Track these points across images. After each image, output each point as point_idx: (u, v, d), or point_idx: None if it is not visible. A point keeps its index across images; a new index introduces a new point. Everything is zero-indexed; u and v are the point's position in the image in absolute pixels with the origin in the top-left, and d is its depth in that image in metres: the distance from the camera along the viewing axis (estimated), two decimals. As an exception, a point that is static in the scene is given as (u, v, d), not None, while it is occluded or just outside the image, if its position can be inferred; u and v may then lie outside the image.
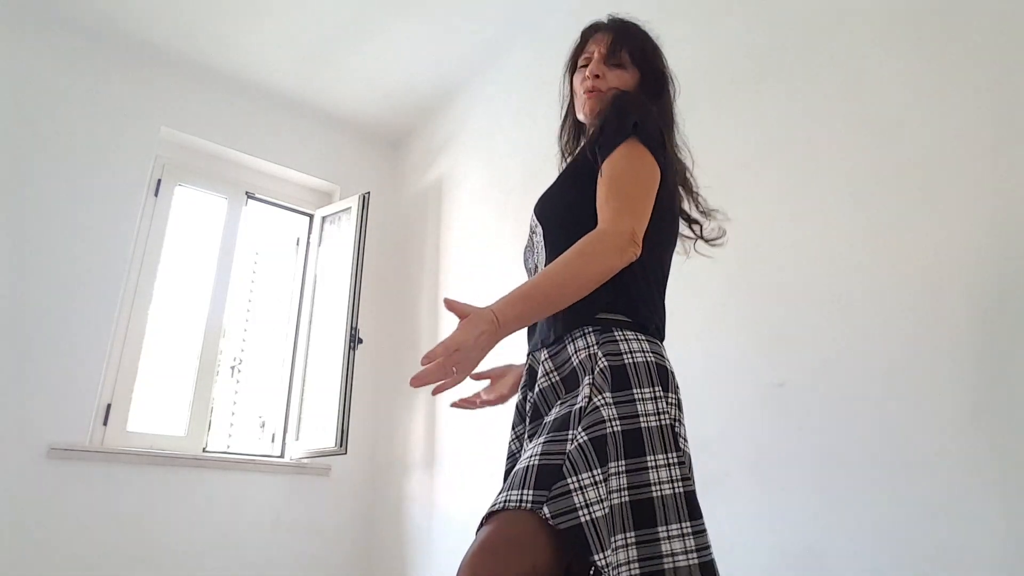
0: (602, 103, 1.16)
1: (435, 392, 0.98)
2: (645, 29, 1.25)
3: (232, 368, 3.17)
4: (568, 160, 1.33)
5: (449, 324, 2.98)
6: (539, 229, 1.15)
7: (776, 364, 1.64)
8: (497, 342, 0.93)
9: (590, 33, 1.26)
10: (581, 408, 0.93)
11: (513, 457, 1.10)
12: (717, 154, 1.91)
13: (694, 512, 0.91)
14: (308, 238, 3.47)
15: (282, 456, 3.08)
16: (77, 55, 2.87)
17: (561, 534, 0.81)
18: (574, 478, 0.84)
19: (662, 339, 1.07)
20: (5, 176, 2.60)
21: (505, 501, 0.84)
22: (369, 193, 3.18)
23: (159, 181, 3.03)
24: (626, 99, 1.12)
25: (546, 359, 1.07)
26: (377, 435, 3.25)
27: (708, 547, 0.90)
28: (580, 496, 0.83)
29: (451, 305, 0.94)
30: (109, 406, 2.67)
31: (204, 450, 2.89)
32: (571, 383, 1.02)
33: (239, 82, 3.27)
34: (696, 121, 1.95)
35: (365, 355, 3.15)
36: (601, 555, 0.81)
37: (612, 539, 0.84)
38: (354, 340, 2.93)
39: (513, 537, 0.82)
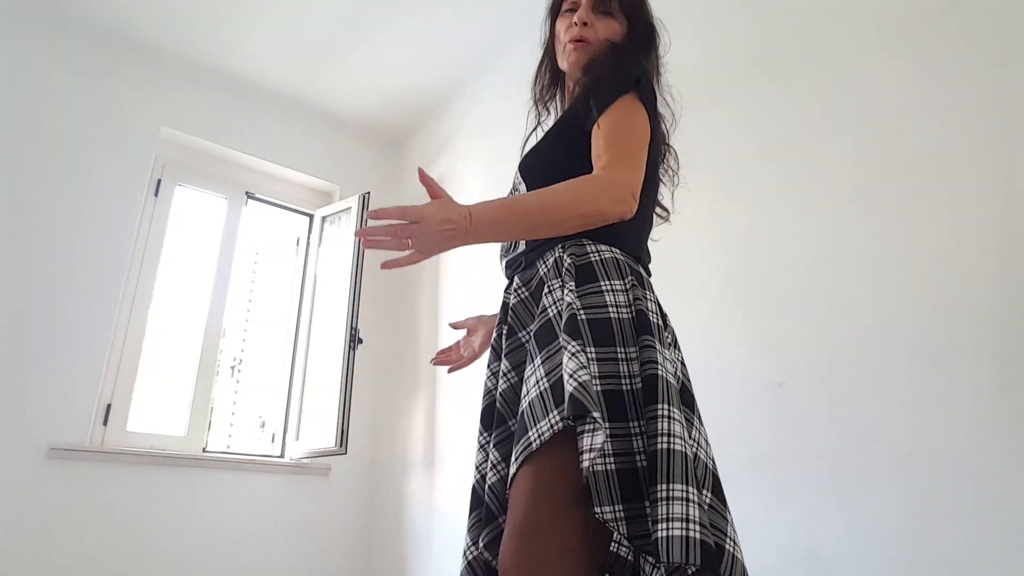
0: (595, 54, 1.12)
1: (385, 265, 0.92)
2: None
3: (232, 368, 3.17)
4: (541, 108, 1.30)
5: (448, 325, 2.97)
6: (522, 187, 1.10)
7: (776, 364, 1.64)
8: (465, 242, 0.88)
9: None
10: (559, 312, 0.90)
11: (490, 394, 1.04)
12: (717, 153, 1.91)
13: (652, 397, 0.84)
14: (308, 238, 3.47)
15: (282, 456, 3.08)
16: (77, 55, 2.87)
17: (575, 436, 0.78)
18: (566, 374, 0.81)
19: (645, 272, 1.04)
20: (5, 176, 2.59)
21: (539, 436, 0.79)
22: (369, 193, 3.18)
23: (159, 181, 3.03)
24: (624, 54, 1.08)
25: (516, 280, 1.05)
26: (377, 435, 3.25)
27: (680, 436, 0.82)
28: (572, 380, 0.79)
29: (425, 178, 0.90)
30: (109, 406, 2.67)
31: (204, 450, 2.89)
32: (539, 295, 0.98)
33: (239, 82, 3.27)
34: (697, 120, 1.95)
35: (365, 355, 3.15)
36: (598, 414, 0.77)
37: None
38: (354, 340, 2.92)
39: (547, 515, 0.78)
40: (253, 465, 2.90)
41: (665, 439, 0.78)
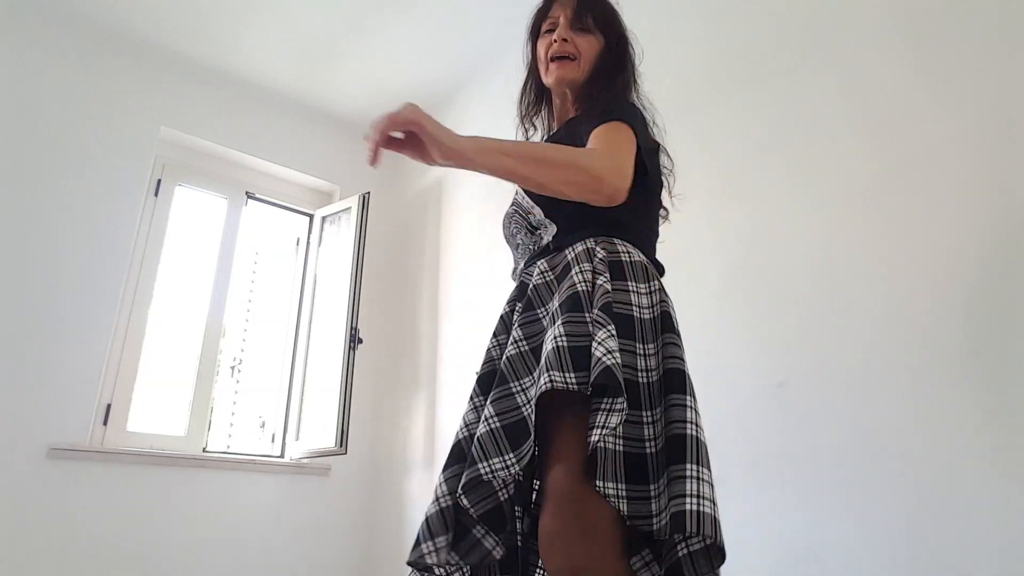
0: (586, 89, 1.20)
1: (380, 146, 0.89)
2: None
3: (232, 368, 3.17)
4: (527, 124, 1.37)
5: (449, 325, 2.98)
6: (536, 210, 1.14)
7: (776, 364, 1.64)
8: (462, 152, 0.88)
9: None
10: (587, 290, 0.96)
11: (492, 362, 1.06)
12: (718, 153, 1.91)
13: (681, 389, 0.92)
14: (308, 238, 3.47)
15: (282, 456, 3.08)
16: (77, 55, 2.87)
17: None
18: (595, 342, 0.87)
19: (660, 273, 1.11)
20: (5, 176, 2.59)
21: (550, 381, 0.85)
22: (369, 193, 3.18)
23: (159, 181, 3.03)
24: (621, 100, 1.16)
25: (542, 263, 1.09)
26: (377, 435, 3.25)
27: (685, 421, 0.90)
28: (601, 347, 0.86)
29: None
30: (109, 406, 2.67)
31: (204, 450, 2.89)
32: (564, 276, 1.03)
33: (239, 82, 3.27)
34: (697, 120, 1.96)
35: (365, 355, 3.15)
36: (623, 400, 0.83)
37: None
38: (354, 340, 2.92)
39: (592, 522, 0.82)
40: (253, 465, 2.90)
41: (692, 427, 0.87)
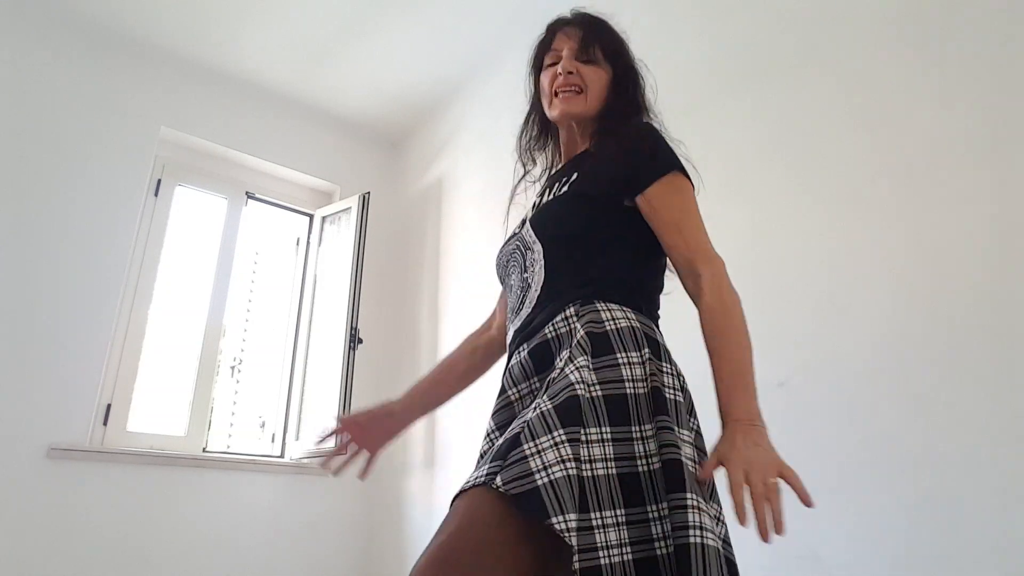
0: (599, 123, 1.13)
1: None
2: (612, 24, 1.20)
3: (232, 368, 3.17)
4: (527, 159, 1.30)
5: (449, 325, 2.97)
6: (537, 247, 1.06)
7: (776, 364, 1.64)
8: (765, 434, 0.91)
9: (556, 28, 1.21)
10: (551, 379, 0.87)
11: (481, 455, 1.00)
12: (717, 154, 1.91)
13: (676, 486, 0.80)
14: (308, 238, 3.47)
15: (282, 456, 3.08)
16: (77, 55, 2.87)
17: (527, 516, 0.73)
18: (531, 443, 0.77)
19: (654, 320, 1.03)
20: (5, 176, 2.59)
21: (472, 480, 0.78)
22: (369, 193, 3.18)
23: (159, 181, 3.03)
24: (650, 132, 1.07)
25: (524, 346, 1.01)
26: (377, 435, 3.25)
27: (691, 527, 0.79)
28: (537, 460, 0.75)
29: (706, 472, 0.86)
30: (109, 406, 2.67)
31: (204, 450, 2.89)
32: (537, 354, 0.96)
33: (239, 82, 3.27)
34: (697, 121, 1.95)
35: (365, 355, 3.15)
36: (560, 518, 0.71)
37: (596, 513, 0.76)
38: (354, 340, 2.92)
39: (474, 544, 0.73)
40: (253, 465, 2.90)
41: (698, 533, 0.76)
